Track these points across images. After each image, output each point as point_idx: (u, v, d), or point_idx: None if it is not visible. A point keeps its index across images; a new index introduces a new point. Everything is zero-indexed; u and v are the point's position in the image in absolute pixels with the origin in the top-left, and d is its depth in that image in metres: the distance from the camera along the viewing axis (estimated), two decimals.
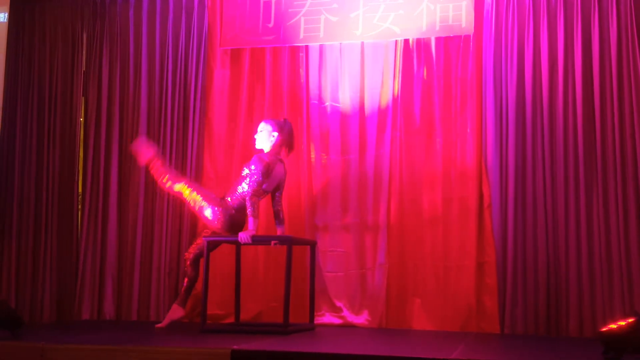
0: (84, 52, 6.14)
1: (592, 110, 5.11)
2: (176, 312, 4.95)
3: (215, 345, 3.91)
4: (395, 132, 5.47)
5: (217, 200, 4.90)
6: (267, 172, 4.84)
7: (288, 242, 4.77)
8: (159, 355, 3.81)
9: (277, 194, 5.04)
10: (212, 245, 4.89)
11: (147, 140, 5.29)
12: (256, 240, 4.77)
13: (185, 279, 5.01)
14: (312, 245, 5.25)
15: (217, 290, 5.48)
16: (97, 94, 6.04)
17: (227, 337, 4.33)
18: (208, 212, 4.88)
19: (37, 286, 5.87)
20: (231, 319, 5.41)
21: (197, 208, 4.92)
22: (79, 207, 6.01)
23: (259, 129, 5.02)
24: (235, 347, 3.75)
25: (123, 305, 5.76)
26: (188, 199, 4.94)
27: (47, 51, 6.15)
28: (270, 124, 4.99)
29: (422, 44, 5.50)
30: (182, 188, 4.95)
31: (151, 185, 5.86)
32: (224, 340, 4.13)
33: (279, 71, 5.77)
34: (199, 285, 5.43)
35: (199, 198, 4.91)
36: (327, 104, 5.66)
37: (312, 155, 5.63)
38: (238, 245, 5.11)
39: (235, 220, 4.89)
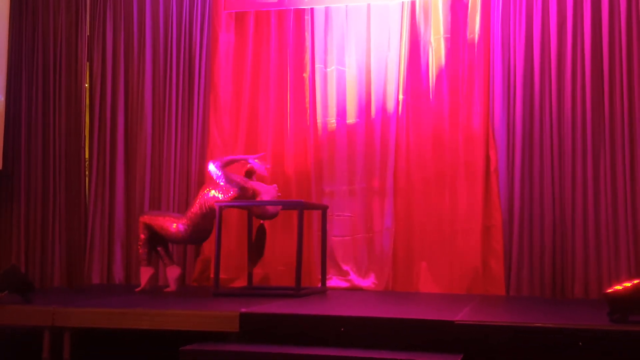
0: (88, 16, 6.08)
1: (600, 72, 5.06)
2: (147, 272, 5.06)
3: (224, 308, 3.95)
4: (402, 95, 5.44)
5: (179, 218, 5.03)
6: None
7: (300, 206, 4.79)
8: (169, 318, 3.87)
9: None
10: (223, 209, 4.92)
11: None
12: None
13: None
14: (324, 209, 5.27)
15: (222, 254, 5.50)
16: (102, 59, 6.01)
17: (238, 300, 4.37)
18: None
19: (47, 252, 5.93)
20: (237, 283, 5.47)
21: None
22: (87, 172, 6.03)
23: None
24: (243, 310, 3.80)
25: (132, 269, 5.81)
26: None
27: (51, 16, 6.09)
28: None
29: (429, 6, 5.43)
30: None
31: (157, 150, 5.87)
32: (234, 303, 4.17)
33: (284, 34, 5.72)
34: (206, 250, 5.52)
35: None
36: (332, 67, 5.62)
37: (318, 120, 5.61)
38: (250, 210, 5.17)
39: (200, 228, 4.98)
